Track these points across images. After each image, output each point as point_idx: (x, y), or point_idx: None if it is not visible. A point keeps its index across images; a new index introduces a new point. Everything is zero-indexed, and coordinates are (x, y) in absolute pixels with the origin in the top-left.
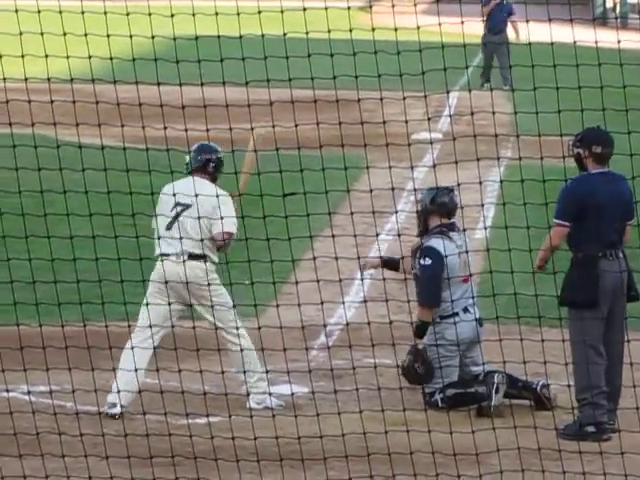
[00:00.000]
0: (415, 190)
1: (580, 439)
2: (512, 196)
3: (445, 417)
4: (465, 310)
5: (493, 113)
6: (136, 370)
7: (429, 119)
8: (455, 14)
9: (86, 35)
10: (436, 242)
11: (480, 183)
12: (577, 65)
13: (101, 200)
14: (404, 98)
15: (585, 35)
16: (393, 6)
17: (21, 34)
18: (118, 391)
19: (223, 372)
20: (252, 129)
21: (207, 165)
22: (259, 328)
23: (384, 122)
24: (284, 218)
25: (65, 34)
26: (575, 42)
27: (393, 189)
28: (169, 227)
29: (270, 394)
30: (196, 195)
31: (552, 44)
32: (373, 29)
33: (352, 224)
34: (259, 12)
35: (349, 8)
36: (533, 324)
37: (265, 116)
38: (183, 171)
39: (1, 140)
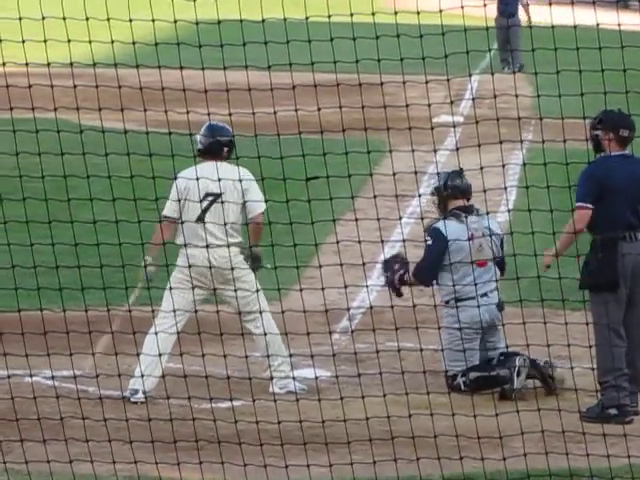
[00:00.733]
0: (438, 174)
1: (602, 422)
2: (534, 179)
3: (468, 400)
4: (484, 295)
5: (516, 96)
6: (160, 355)
7: (452, 102)
8: None
9: (109, 20)
10: (442, 224)
11: (503, 166)
12: (600, 48)
13: (124, 184)
14: (427, 82)
15: (608, 18)
16: None
17: (43, 19)
18: (142, 376)
19: (247, 356)
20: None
21: (221, 150)
22: (282, 312)
23: (407, 105)
24: (307, 202)
25: (87, 19)
26: (598, 25)
27: (416, 172)
28: (200, 218)
29: (294, 378)
30: (219, 180)
31: (575, 27)
32: (395, 12)
33: (375, 207)
34: None
35: None
36: (556, 307)
37: (287, 100)
38: (194, 152)
39: (24, 125)
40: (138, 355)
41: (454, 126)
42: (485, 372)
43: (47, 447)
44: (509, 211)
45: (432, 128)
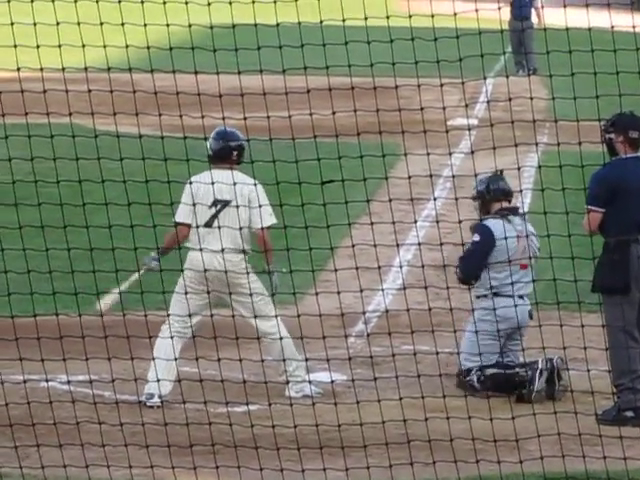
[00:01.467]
0: (453, 177)
1: (619, 424)
2: (549, 182)
3: (485, 403)
4: (521, 297)
5: (531, 99)
6: (176, 359)
7: (466, 105)
8: (491, 0)
9: (123, 24)
10: (492, 222)
11: (519, 169)
12: (614, 50)
13: (139, 189)
14: (441, 85)
15: (622, 20)
16: None
17: (58, 24)
18: (158, 380)
19: (262, 360)
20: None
21: (230, 154)
22: (298, 316)
23: (422, 109)
24: (322, 206)
25: (102, 23)
26: (612, 27)
27: (431, 176)
28: (209, 224)
29: (310, 382)
30: (234, 183)
31: (590, 29)
32: (410, 16)
33: (390, 211)
34: (296, 0)
35: None
36: (572, 309)
37: (302, 104)
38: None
39: (39, 130)
40: (152, 360)
41: (469, 129)
42: (502, 370)
43: (63, 452)
44: (524, 214)
45: (447, 131)
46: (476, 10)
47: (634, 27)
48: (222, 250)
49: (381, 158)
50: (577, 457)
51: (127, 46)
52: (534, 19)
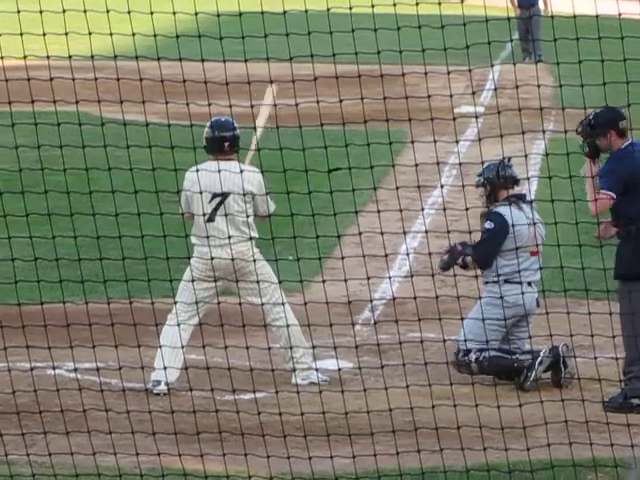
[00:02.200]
0: (460, 164)
1: (625, 411)
2: (556, 169)
3: (492, 391)
4: (529, 284)
5: (538, 86)
6: (183, 347)
7: (474, 93)
8: None
9: (130, 12)
10: (504, 209)
11: (525, 156)
12: (622, 37)
13: (145, 177)
14: (448, 72)
15: (630, 7)
16: None
17: (64, 12)
18: (164, 368)
19: (269, 348)
20: (271, 82)
21: (222, 145)
22: (305, 304)
23: (428, 96)
24: (329, 193)
25: (108, 11)
26: (620, 14)
27: (438, 163)
28: (210, 219)
29: (316, 369)
30: (233, 172)
31: (597, 17)
32: (417, 3)
33: (397, 198)
34: None
35: None
36: (579, 297)
37: (309, 91)
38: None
39: (45, 118)
40: (159, 347)
41: (476, 116)
42: (502, 354)
43: (70, 439)
44: (531, 201)
45: (454, 118)
46: None
47: None
48: (229, 237)
49: (388, 146)
50: (584, 444)
51: (134, 34)
52: (541, 6)
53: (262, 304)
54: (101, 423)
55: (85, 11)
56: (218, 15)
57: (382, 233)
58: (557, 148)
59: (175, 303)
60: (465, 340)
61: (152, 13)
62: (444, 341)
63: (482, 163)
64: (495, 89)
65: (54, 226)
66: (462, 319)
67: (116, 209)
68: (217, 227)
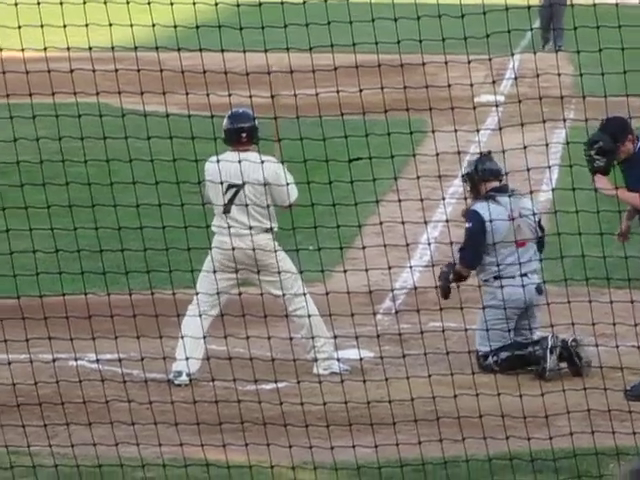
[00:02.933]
0: (481, 154)
1: None
2: (577, 157)
3: (514, 380)
4: (524, 275)
5: (559, 75)
6: (204, 337)
7: (494, 82)
8: None
9: (150, 3)
10: (480, 206)
11: (546, 145)
12: None
13: (166, 168)
14: (469, 62)
15: None
16: None
17: (85, 3)
18: (186, 358)
19: (291, 338)
20: (275, 118)
21: (240, 136)
22: (327, 294)
23: (449, 85)
24: (349, 183)
25: (128, 2)
26: None
27: (459, 152)
28: (227, 210)
29: (338, 359)
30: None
31: (617, 5)
32: None
33: (417, 188)
34: None
35: None
36: (600, 285)
37: (329, 81)
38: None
39: (66, 109)
40: (180, 338)
41: (497, 105)
42: (516, 351)
43: (92, 430)
44: (552, 190)
45: (474, 108)
46: None
47: None
48: (250, 228)
49: (408, 135)
50: (606, 433)
51: (154, 25)
52: None
53: (283, 295)
54: (123, 414)
55: (105, 2)
56: (238, 5)
57: (403, 223)
58: (578, 136)
59: (197, 294)
60: (479, 344)
61: (172, 4)
62: (465, 330)
63: (503, 152)
64: (515, 78)
65: (75, 218)
66: (483, 308)
67: (137, 200)
68: (234, 217)
